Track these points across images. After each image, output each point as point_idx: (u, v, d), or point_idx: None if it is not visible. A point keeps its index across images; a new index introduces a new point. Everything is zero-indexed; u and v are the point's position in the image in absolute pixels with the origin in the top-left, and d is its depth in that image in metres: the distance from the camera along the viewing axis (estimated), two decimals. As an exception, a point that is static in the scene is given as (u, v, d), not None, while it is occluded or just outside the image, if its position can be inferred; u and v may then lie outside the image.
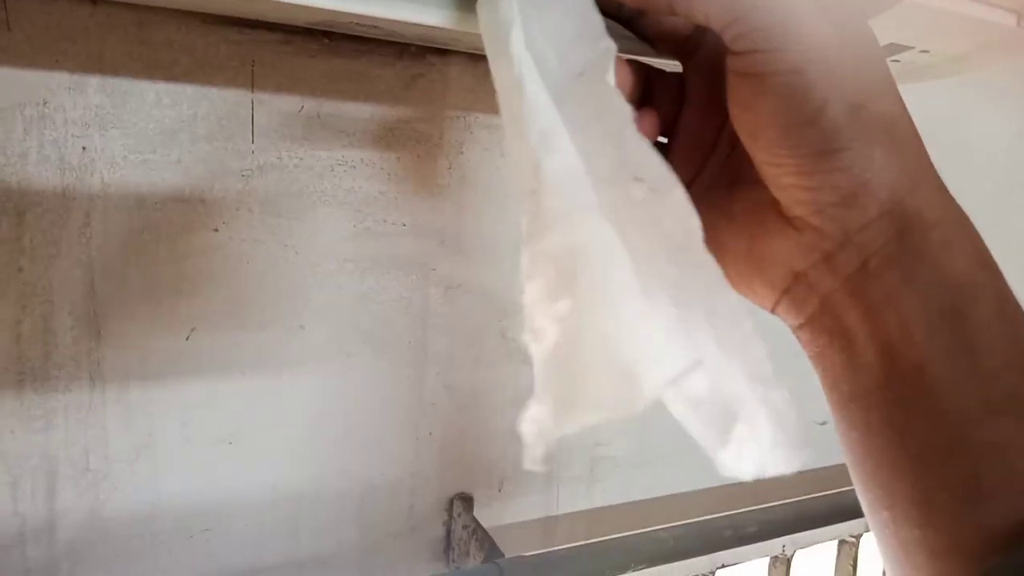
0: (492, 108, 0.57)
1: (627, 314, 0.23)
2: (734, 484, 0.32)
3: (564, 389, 0.23)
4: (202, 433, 0.50)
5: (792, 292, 0.31)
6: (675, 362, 0.22)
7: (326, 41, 0.50)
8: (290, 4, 0.31)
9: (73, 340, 0.46)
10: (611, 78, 0.27)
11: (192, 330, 0.49)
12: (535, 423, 0.23)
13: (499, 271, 0.59)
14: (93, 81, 0.44)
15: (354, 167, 0.52)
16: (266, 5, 0.40)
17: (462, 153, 0.56)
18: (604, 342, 0.23)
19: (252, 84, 0.48)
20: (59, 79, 0.44)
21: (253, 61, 0.48)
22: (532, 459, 0.23)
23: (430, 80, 0.54)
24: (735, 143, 0.33)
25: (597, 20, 0.29)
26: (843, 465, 0.31)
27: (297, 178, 0.50)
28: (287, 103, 0.49)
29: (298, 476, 0.54)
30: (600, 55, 0.28)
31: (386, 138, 0.53)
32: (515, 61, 0.27)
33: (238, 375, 0.51)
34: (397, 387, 0.57)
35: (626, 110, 0.26)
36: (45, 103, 0.43)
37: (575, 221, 0.24)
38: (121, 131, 0.45)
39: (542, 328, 0.24)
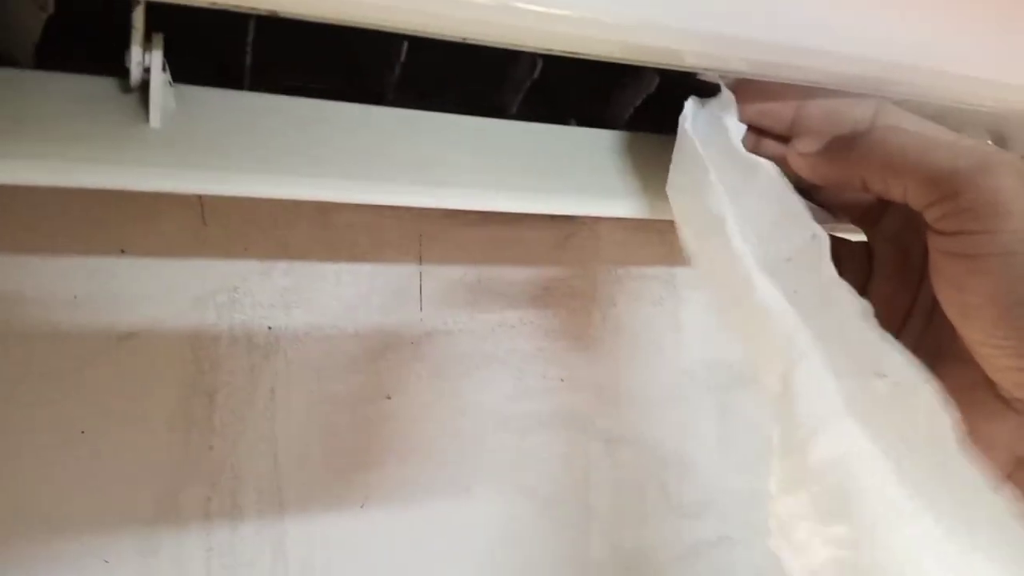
0: (641, 260, 0.57)
1: (906, 540, 0.22)
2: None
3: None
4: (376, 603, 0.50)
5: (1016, 478, 0.29)
6: None
7: (485, 211, 0.52)
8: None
9: (258, 514, 0.47)
10: (828, 267, 0.27)
11: (366, 498, 0.49)
12: None
13: (656, 421, 0.58)
14: (280, 266, 0.47)
15: (513, 327, 0.53)
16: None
17: (614, 305, 0.57)
18: (887, 573, 0.21)
19: (420, 256, 0.50)
20: (249, 266, 0.47)
21: (421, 235, 0.50)
22: None
23: (582, 238, 0.55)
24: (932, 315, 0.32)
25: (798, 204, 0.29)
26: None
27: (461, 342, 0.52)
28: (452, 271, 0.51)
29: (466, 643, 0.53)
30: (809, 242, 0.28)
31: (542, 296, 0.54)
32: (739, 257, 0.27)
33: (409, 540, 0.51)
34: (563, 547, 0.55)
35: (857, 301, 0.26)
36: (235, 289, 0.46)
37: (831, 431, 0.24)
38: (304, 310, 0.48)
39: (808, 545, 0.23)
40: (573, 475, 0.55)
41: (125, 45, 0.30)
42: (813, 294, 0.27)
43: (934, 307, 0.30)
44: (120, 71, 0.30)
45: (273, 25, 0.28)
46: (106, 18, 0.32)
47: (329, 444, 0.48)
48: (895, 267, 0.34)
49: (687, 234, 0.30)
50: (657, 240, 0.57)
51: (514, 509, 0.54)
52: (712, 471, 0.60)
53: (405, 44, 0.34)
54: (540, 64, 0.36)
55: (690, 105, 0.33)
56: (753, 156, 0.29)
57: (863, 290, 0.35)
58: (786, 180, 0.29)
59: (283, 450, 0.47)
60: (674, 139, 0.39)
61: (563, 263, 0.55)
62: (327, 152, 0.30)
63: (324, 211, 0.47)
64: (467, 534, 0.52)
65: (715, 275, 0.29)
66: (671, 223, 0.33)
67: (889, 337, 0.26)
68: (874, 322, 0.27)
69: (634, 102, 0.40)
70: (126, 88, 0.27)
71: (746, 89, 0.33)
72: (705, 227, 0.29)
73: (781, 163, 0.32)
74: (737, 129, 0.31)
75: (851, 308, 0.26)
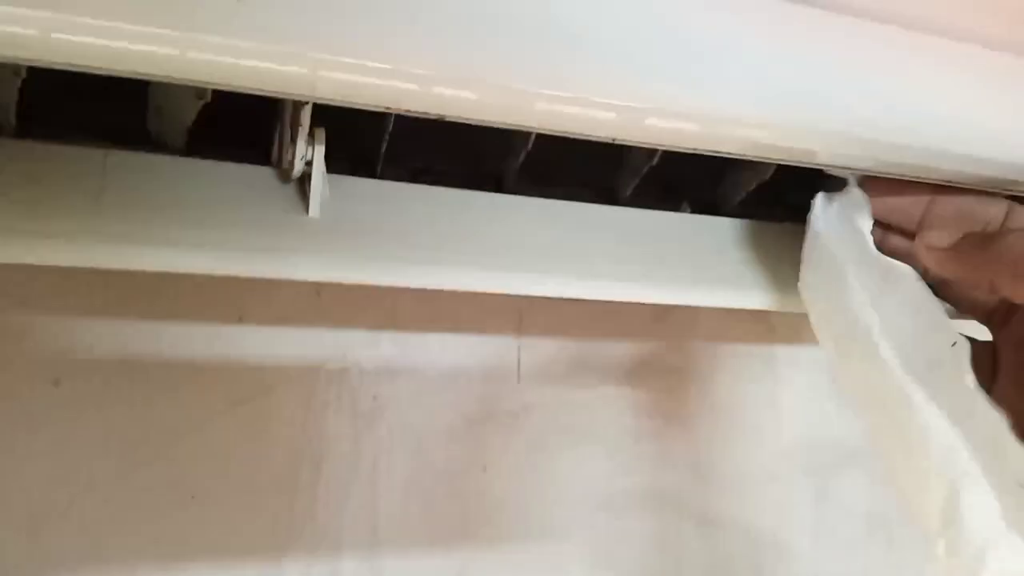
0: (739, 337, 0.57)
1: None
2: None
3: None
4: None
5: None
6: None
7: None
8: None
9: (356, 583, 0.47)
10: (970, 376, 0.27)
11: (462, 570, 0.49)
12: None
13: (752, 503, 0.57)
14: (386, 336, 0.48)
15: (609, 402, 0.53)
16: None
17: (711, 382, 0.56)
18: None
19: (520, 329, 0.51)
20: (357, 336, 0.48)
21: (520, 308, 0.51)
22: None
23: (680, 313, 0.55)
24: None
25: (938, 309, 0.28)
26: None
27: (558, 415, 0.52)
28: (549, 345, 0.52)
29: None
30: (950, 349, 0.27)
31: (639, 371, 0.54)
32: (889, 366, 0.27)
33: (502, 617, 0.51)
34: (655, 630, 0.54)
35: (995, 415, 0.25)
36: (345, 357, 0.48)
37: (1001, 549, 0.23)
38: (407, 378, 0.48)
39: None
40: (666, 556, 0.55)
41: (271, 132, 0.32)
42: (958, 404, 0.26)
43: None
44: (257, 155, 0.32)
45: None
46: (254, 107, 0.33)
47: (427, 515, 0.49)
48: (1021, 372, 0.33)
49: (824, 335, 0.30)
50: (755, 317, 0.57)
51: (607, 588, 0.53)
52: (807, 556, 0.58)
53: (533, 134, 0.35)
54: (659, 152, 0.37)
55: (819, 201, 0.33)
56: (892, 261, 0.29)
57: (988, 390, 0.34)
58: (925, 286, 0.29)
59: (383, 519, 0.48)
60: (789, 228, 0.39)
61: (660, 337, 0.55)
62: (456, 242, 0.31)
63: (431, 284, 0.49)
64: (560, 612, 0.52)
65: (859, 379, 0.29)
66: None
67: None
68: (1011, 433, 0.26)
69: (748, 187, 0.40)
70: (284, 178, 0.29)
71: (874, 184, 0.33)
72: (847, 330, 0.28)
73: (907, 258, 0.32)
74: (869, 229, 0.31)
75: (992, 418, 0.26)
